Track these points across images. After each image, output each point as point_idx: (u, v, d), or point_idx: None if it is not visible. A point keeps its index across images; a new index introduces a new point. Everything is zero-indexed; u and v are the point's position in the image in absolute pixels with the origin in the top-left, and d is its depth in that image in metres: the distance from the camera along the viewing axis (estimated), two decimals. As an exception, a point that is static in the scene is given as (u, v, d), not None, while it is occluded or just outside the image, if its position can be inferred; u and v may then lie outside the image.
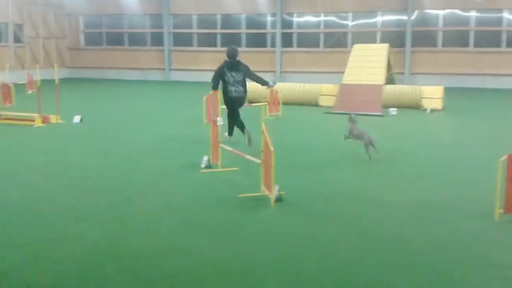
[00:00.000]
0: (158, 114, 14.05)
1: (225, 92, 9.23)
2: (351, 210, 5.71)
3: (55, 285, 3.82)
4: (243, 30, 27.37)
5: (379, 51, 16.32)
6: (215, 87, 9.31)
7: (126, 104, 16.57)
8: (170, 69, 28.31)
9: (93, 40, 29.95)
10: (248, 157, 6.73)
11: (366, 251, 4.52)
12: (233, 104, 9.26)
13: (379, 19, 25.45)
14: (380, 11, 25.30)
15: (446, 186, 6.80)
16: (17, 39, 25.86)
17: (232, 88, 9.18)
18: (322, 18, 26.23)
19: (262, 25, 27.25)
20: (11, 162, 7.93)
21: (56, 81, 12.06)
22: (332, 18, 26.11)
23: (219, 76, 9.27)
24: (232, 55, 9.30)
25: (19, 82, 17.06)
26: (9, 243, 4.61)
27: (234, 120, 9.41)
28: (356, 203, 5.95)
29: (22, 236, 4.78)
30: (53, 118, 11.63)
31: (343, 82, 15.31)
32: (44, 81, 12.87)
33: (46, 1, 27.59)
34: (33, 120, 11.31)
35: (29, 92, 18.48)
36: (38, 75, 12.65)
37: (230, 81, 9.18)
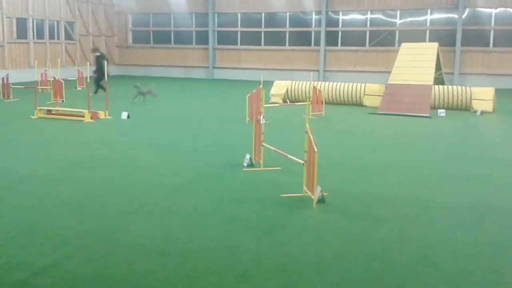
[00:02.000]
0: (202, 112, 14.23)
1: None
2: (396, 212, 5.57)
3: (102, 278, 3.92)
4: (287, 29, 27.28)
5: (428, 50, 15.87)
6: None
7: (171, 101, 16.87)
8: (214, 67, 28.61)
9: (140, 38, 30.68)
10: (291, 157, 6.69)
11: (411, 255, 4.39)
12: None
13: (428, 17, 24.75)
14: (429, 8, 24.59)
15: (497, 190, 6.53)
16: (68, 36, 26.83)
17: None
18: (369, 16, 25.77)
19: (307, 23, 27.08)
20: (61, 156, 8.22)
21: (106, 78, 12.42)
22: (379, 16, 25.62)
23: None
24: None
25: (69, 78, 17.70)
26: (57, 235, 4.78)
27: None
28: (402, 206, 5.80)
29: (70, 229, 4.94)
30: (101, 114, 12.00)
31: (390, 81, 14.99)
32: (93, 78, 13.29)
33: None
34: (83, 116, 11.70)
35: (79, 88, 19.16)
36: (88, 72, 13.08)
37: None
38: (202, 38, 28.88)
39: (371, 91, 15.72)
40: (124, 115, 12.14)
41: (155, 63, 29.80)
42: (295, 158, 6.53)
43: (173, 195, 6.13)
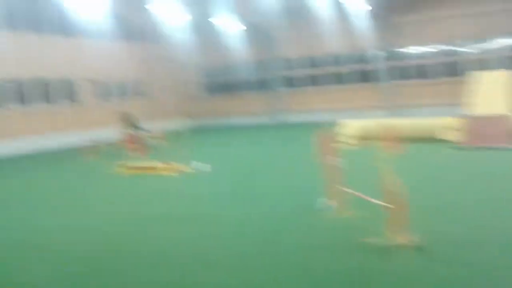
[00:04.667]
0: (277, 156, 14.33)
1: None
2: (503, 258, 5.13)
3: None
4: (349, 68, 27.34)
5: (501, 79, 15.20)
6: None
7: (247, 149, 17.12)
8: (280, 112, 29.08)
9: (208, 89, 32.01)
10: (375, 200, 6.54)
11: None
12: None
13: (496, 44, 23.84)
14: (497, 36, 23.75)
15: None
16: (141, 93, 28.44)
17: None
18: (433, 47, 25.28)
19: (369, 61, 27.02)
20: (147, 210, 8.56)
21: (185, 132, 12.89)
22: (444, 46, 25.07)
23: None
24: None
25: (146, 134, 18.62)
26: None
27: None
28: (501, 250, 5.39)
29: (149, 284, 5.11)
30: (184, 167, 12.33)
31: (469, 113, 14.35)
32: (170, 131, 13.89)
33: (165, 56, 30.19)
34: (163, 170, 12.16)
35: (156, 142, 20.09)
36: (166, 126, 13.72)
37: None
38: (266, 84, 29.61)
39: (446, 125, 15.12)
40: (205, 167, 12.32)
41: (226, 112, 30.81)
42: (378, 201, 6.36)
43: (253, 245, 6.12)
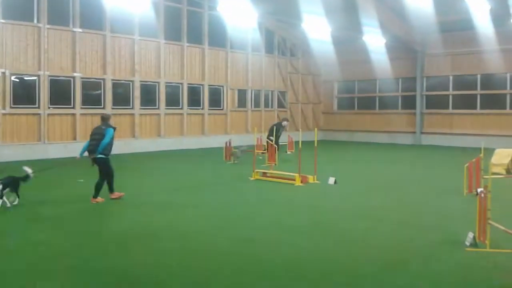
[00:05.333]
0: (409, 180, 13.55)
1: None
2: None
3: None
4: (508, 91, 24.68)
5: None
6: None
7: (376, 167, 16.57)
8: (422, 133, 27.40)
9: (345, 104, 31.55)
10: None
11: None
12: None
13: None
14: None
15: None
16: (280, 104, 29.21)
17: None
18: None
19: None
20: (274, 219, 8.64)
21: (315, 144, 12.92)
22: None
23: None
24: None
25: (281, 143, 18.98)
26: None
27: None
28: None
29: None
30: (310, 179, 12.41)
31: None
32: (302, 143, 13.96)
33: (306, 70, 30.62)
34: (294, 179, 12.27)
35: (289, 152, 20.38)
36: (299, 137, 13.84)
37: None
38: (409, 103, 28.17)
39: None
40: (332, 180, 12.31)
41: (359, 128, 30.08)
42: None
43: (385, 271, 5.78)
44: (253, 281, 5.40)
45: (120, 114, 21.08)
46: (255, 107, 27.53)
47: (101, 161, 9.79)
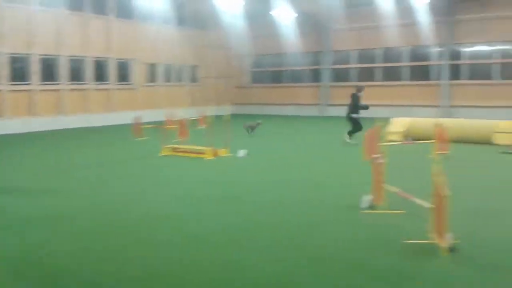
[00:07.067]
0: (316, 150, 14.16)
1: None
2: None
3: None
4: (405, 63, 26.43)
5: None
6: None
7: (286, 139, 17.08)
8: (328, 105, 28.58)
9: (258, 78, 31.95)
10: (417, 200, 6.26)
11: None
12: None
13: None
14: None
15: None
16: (192, 79, 28.87)
17: None
18: (498, 47, 23.97)
19: (426, 57, 26.01)
20: (187, 192, 8.63)
21: (227, 118, 13.00)
22: (508, 46, 23.72)
23: None
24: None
25: (193, 118, 18.86)
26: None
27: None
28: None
29: (207, 260, 5.07)
30: (222, 152, 12.49)
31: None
32: (214, 117, 14.01)
33: (218, 44, 30.43)
34: (204, 153, 12.29)
35: (201, 127, 20.32)
36: (210, 111, 13.82)
37: None
38: (316, 76, 29.19)
39: (502, 128, 14.36)
40: (243, 153, 12.50)
41: (270, 101, 30.70)
42: (422, 202, 6.09)
43: (291, 238, 6.02)
44: (158, 253, 5.39)
45: (16, 91, 19.64)
46: (166, 82, 26.95)
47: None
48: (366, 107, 14.99)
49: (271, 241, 5.85)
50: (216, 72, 30.58)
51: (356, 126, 14.81)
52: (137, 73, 25.08)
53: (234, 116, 28.07)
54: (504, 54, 23.81)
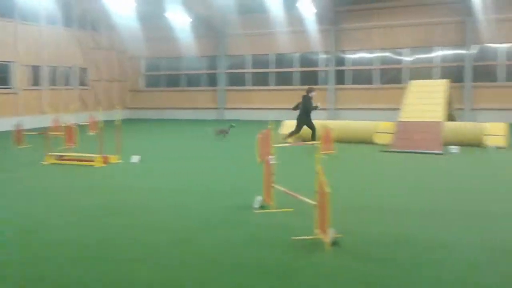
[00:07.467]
0: (212, 153, 14.21)
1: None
2: (413, 254, 5.37)
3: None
4: (296, 69, 27.63)
5: (437, 87, 15.86)
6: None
7: (182, 143, 16.93)
8: (225, 108, 28.89)
9: (152, 82, 31.29)
10: (302, 198, 6.56)
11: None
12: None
13: (437, 54, 24.94)
14: (437, 46, 24.81)
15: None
16: (82, 82, 27.43)
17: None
18: (377, 54, 26.05)
19: (315, 63, 27.43)
20: (72, 202, 8.16)
21: (118, 123, 12.53)
22: (387, 54, 25.88)
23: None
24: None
25: (82, 123, 17.92)
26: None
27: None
28: (418, 247, 5.60)
29: (74, 277, 4.82)
30: (113, 159, 12.01)
31: (400, 119, 14.91)
32: (106, 122, 13.41)
33: (109, 45, 29.27)
34: (94, 161, 11.72)
35: (91, 133, 19.37)
36: (100, 116, 13.22)
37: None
38: (212, 80, 29.38)
39: (382, 128, 15.63)
40: (136, 158, 12.14)
41: (166, 105, 30.23)
42: (307, 199, 6.40)
43: (182, 241, 5.99)
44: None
45: None
46: (52, 85, 25.29)
47: None
48: (315, 108, 14.95)
49: (153, 248, 5.74)
50: (107, 75, 29.37)
51: (312, 127, 14.58)
52: (18, 76, 23.21)
53: (128, 121, 27.25)
54: (383, 60, 25.94)
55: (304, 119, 14.75)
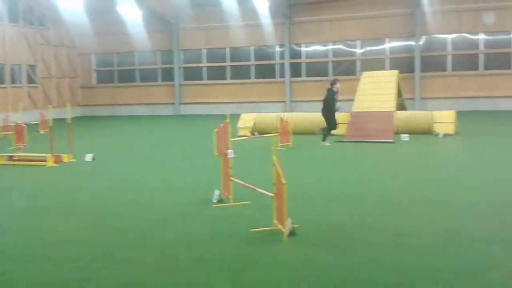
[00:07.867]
0: (169, 149, 14.08)
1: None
2: (367, 241, 5.54)
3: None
4: (252, 62, 27.68)
5: (388, 78, 16.30)
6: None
7: (138, 140, 16.65)
8: (181, 103, 28.60)
9: (105, 78, 30.51)
10: (260, 190, 6.63)
11: (385, 284, 4.34)
12: None
13: (387, 45, 25.61)
14: (388, 38, 25.47)
15: (462, 213, 6.61)
16: (30, 80, 26.42)
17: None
18: (330, 47, 26.46)
19: (271, 57, 27.58)
20: (24, 203, 7.90)
21: (69, 120, 12.18)
22: (340, 46, 26.33)
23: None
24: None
25: (32, 122, 17.28)
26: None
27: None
28: (372, 233, 5.78)
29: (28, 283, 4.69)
30: (65, 158, 11.66)
31: (353, 110, 15.25)
32: (57, 120, 13.00)
33: (58, 42, 28.31)
34: (45, 160, 11.35)
35: (42, 132, 18.72)
36: (50, 114, 12.81)
37: None
38: (168, 75, 28.97)
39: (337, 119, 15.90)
40: (89, 157, 11.84)
41: (120, 102, 29.60)
42: (264, 191, 6.45)
43: (141, 237, 5.93)
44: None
45: None
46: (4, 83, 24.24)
47: None
48: (336, 109, 13.69)
49: (111, 247, 5.66)
50: (57, 72, 28.41)
51: (330, 123, 13.52)
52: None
53: (81, 118, 26.51)
54: (336, 53, 26.39)
55: (325, 113, 13.59)
